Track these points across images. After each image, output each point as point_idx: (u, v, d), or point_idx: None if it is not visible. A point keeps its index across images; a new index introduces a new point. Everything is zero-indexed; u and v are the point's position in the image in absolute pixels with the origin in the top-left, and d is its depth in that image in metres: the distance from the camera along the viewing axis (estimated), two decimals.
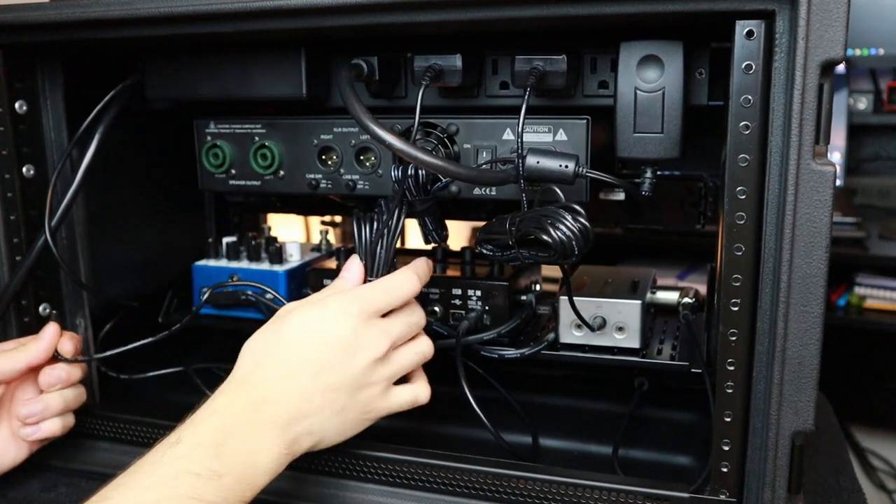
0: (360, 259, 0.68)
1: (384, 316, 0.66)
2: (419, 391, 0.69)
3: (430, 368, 0.70)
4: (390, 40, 0.72)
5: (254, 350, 0.65)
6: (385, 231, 0.67)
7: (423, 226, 0.73)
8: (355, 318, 0.64)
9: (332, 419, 0.63)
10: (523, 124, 0.63)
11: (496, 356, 0.76)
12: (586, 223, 0.60)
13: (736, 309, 0.59)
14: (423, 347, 0.69)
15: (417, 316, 0.69)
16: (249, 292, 0.85)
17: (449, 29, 0.66)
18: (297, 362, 0.63)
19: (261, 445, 0.59)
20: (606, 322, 0.75)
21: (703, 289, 0.85)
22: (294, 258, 0.88)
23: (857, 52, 1.81)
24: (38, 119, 0.78)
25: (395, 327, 0.66)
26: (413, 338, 0.68)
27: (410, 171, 0.67)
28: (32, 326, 0.79)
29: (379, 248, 0.68)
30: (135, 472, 0.56)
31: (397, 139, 0.59)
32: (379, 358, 0.64)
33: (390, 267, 0.68)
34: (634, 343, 0.75)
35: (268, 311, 0.84)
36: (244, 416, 0.60)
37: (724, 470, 0.62)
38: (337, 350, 0.63)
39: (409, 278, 0.67)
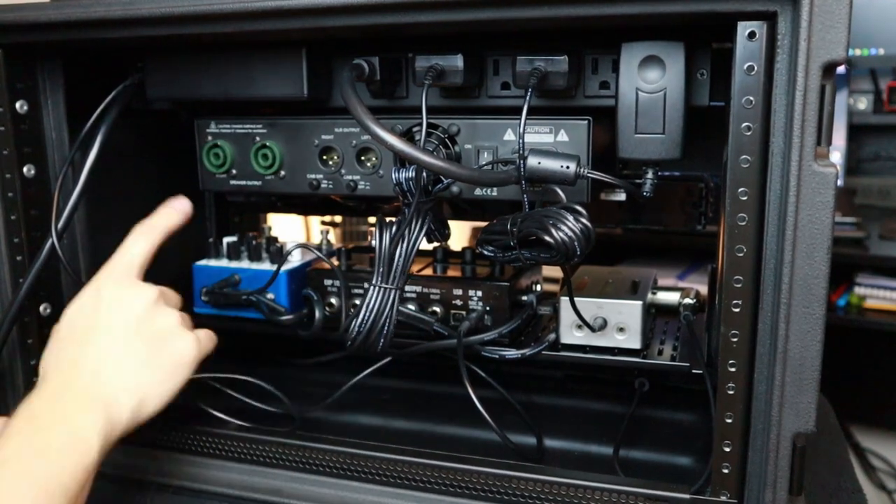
0: (379, 266, 0.68)
1: None
2: (206, 332, 0.71)
3: (431, 368, 0.70)
4: (391, 40, 0.72)
5: (44, 359, 0.66)
6: (403, 237, 0.67)
7: None
8: (120, 276, 0.68)
9: (141, 371, 0.64)
10: (525, 125, 0.63)
11: (497, 356, 0.76)
12: (588, 224, 0.60)
13: (737, 310, 0.59)
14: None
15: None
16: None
17: (450, 29, 0.66)
18: (73, 333, 0.65)
19: (71, 413, 0.60)
20: (607, 322, 0.75)
21: (703, 289, 0.85)
22: (295, 258, 0.88)
23: (858, 52, 1.81)
24: (39, 119, 0.78)
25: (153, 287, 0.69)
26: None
27: (411, 174, 0.66)
28: (32, 326, 0.79)
29: (397, 254, 0.68)
30: None
31: (398, 140, 0.59)
32: (155, 299, 0.67)
33: (407, 274, 0.68)
34: (635, 344, 0.75)
35: (268, 311, 0.84)
36: (49, 400, 0.61)
37: (725, 471, 0.62)
38: (110, 304, 0.66)
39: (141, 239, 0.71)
